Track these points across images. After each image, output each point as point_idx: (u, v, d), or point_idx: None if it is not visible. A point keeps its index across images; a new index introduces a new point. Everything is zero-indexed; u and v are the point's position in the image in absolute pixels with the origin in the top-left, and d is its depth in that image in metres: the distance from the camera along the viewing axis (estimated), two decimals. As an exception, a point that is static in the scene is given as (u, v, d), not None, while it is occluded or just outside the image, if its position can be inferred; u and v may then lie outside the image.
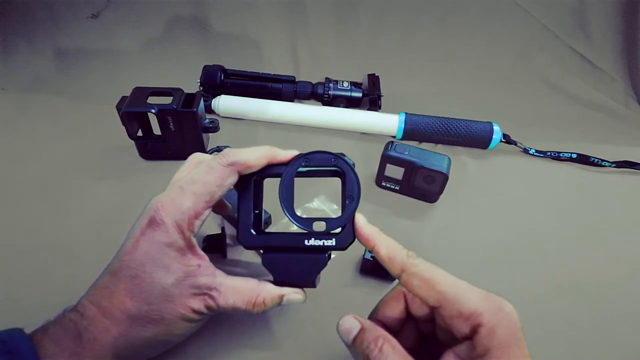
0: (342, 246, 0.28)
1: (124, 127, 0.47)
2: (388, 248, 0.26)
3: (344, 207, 0.28)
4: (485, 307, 0.22)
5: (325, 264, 0.29)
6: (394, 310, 0.27)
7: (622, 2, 0.75)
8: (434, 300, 0.24)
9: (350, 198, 0.27)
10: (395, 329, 0.27)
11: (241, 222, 0.29)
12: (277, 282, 0.29)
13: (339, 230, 0.28)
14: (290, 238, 0.29)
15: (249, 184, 0.29)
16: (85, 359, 0.25)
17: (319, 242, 0.28)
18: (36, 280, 0.37)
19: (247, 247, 0.29)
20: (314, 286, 0.30)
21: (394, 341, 0.24)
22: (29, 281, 0.37)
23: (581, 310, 0.38)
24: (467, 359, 0.22)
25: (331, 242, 0.28)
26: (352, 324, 0.25)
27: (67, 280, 0.36)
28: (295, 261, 0.29)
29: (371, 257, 0.38)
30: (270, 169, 0.29)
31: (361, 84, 0.68)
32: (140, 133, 0.50)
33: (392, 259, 0.25)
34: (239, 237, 0.29)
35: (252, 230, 0.29)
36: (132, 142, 0.50)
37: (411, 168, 0.46)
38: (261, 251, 0.30)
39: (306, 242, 0.28)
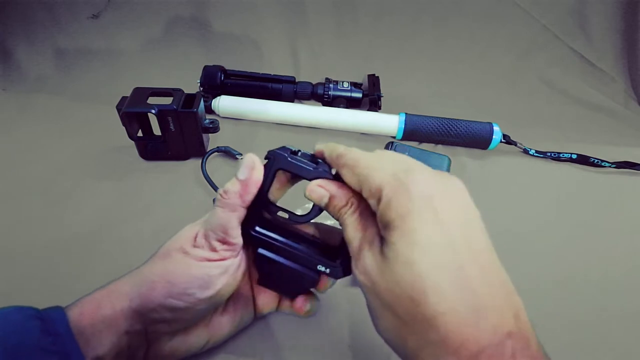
0: (335, 276, 0.28)
1: (124, 128, 0.47)
2: (328, 147, 0.26)
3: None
4: (386, 182, 0.22)
5: (313, 285, 0.28)
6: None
7: (622, 2, 0.75)
8: (356, 183, 0.24)
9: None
10: None
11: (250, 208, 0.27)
12: (260, 283, 0.30)
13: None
14: (290, 248, 0.28)
15: (268, 172, 0.27)
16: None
17: (322, 268, 0.27)
18: (36, 280, 0.37)
19: (246, 239, 0.28)
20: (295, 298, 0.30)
21: (357, 204, 0.25)
22: (29, 281, 0.37)
23: (581, 311, 0.38)
24: (382, 234, 0.22)
25: (325, 269, 0.27)
26: (320, 192, 0.26)
27: (67, 280, 0.36)
28: (285, 270, 0.28)
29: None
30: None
31: (361, 84, 0.68)
32: (140, 133, 0.50)
33: (332, 158, 0.26)
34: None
35: (257, 225, 0.28)
36: (132, 142, 0.50)
37: (411, 168, 0.46)
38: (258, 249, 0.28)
39: (302, 256, 0.28)
